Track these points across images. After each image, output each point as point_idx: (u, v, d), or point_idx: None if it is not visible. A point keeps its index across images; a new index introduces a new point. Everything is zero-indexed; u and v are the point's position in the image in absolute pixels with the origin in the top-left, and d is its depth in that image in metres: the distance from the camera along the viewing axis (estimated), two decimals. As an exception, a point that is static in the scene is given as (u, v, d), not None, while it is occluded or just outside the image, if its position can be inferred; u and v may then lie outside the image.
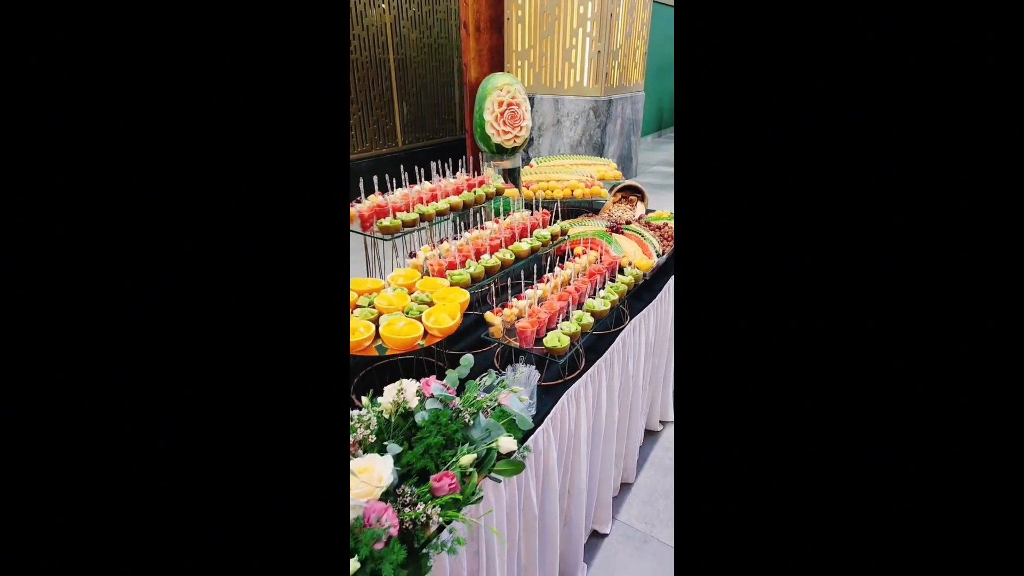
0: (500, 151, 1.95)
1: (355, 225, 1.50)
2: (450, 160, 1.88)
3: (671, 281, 1.93)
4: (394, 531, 0.69)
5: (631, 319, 1.64)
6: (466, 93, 4.73)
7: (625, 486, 1.95)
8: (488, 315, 1.32)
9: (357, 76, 5.35)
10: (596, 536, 1.75)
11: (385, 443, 0.83)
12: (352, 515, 0.69)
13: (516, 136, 1.93)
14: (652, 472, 2.03)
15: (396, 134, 6.00)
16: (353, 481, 0.70)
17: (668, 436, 2.22)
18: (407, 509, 0.74)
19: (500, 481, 0.98)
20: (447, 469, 0.82)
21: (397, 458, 0.82)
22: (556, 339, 1.22)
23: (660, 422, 2.22)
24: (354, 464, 0.75)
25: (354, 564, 0.65)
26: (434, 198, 1.65)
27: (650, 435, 2.20)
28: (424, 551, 0.75)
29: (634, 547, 1.72)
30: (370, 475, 0.71)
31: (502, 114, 1.89)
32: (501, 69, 4.67)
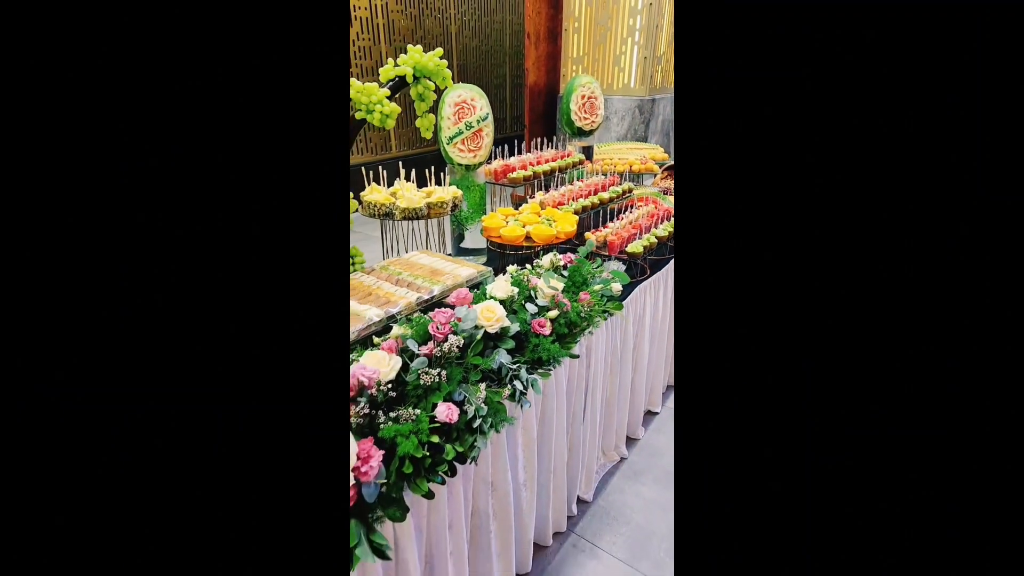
0: (580, 133, 2.61)
1: (489, 178, 2.17)
2: (543, 139, 2.54)
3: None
4: (568, 306, 1.34)
5: (680, 251, 2.27)
6: (525, 93, 5.41)
7: (670, 387, 2.56)
8: (587, 235, 1.97)
9: (425, 79, 6.09)
10: (650, 414, 2.37)
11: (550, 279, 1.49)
12: (548, 298, 1.35)
13: (593, 121, 2.58)
14: (691, 380, 2.64)
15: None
16: (552, 280, 1.36)
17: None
18: (570, 305, 1.40)
19: (606, 319, 1.62)
20: (586, 291, 1.47)
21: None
22: (635, 248, 1.86)
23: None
24: (541, 278, 1.41)
25: (555, 313, 1.30)
26: (539, 163, 2.31)
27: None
28: (578, 330, 1.40)
29: (678, 421, 2.34)
30: (555, 279, 1.36)
31: (583, 105, 2.54)
32: (557, 74, 5.33)
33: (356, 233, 2.07)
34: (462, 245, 2.05)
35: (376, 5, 5.31)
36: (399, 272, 1.42)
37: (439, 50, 1.37)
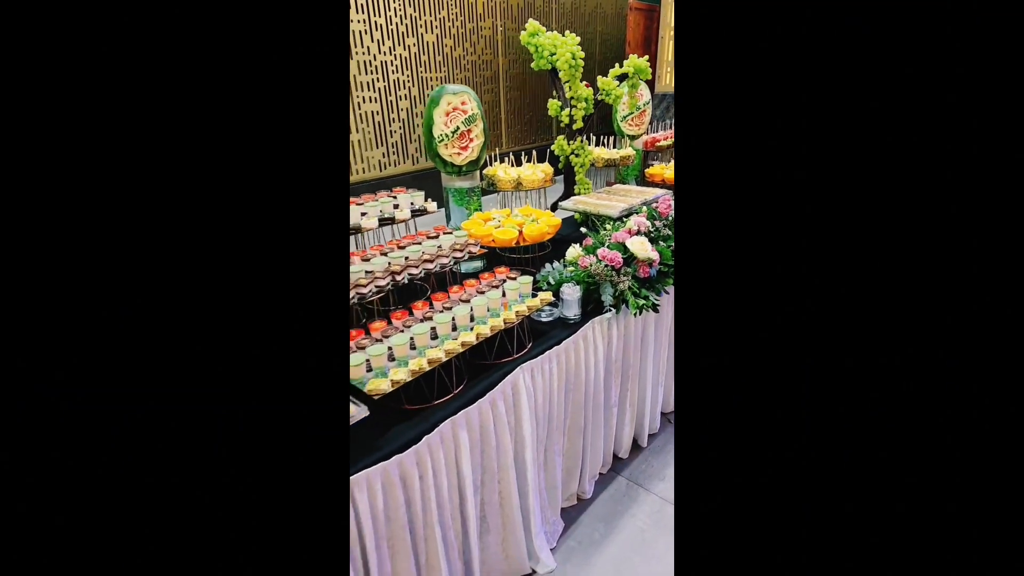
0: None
1: (645, 146, 3.07)
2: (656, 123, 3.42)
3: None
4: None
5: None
6: (623, 93, 6.27)
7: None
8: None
9: (527, 88, 7.06)
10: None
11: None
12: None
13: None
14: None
15: (551, 128, 7.68)
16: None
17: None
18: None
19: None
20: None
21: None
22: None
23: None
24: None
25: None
26: (666, 139, 3.20)
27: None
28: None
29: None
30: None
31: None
32: (651, 77, 6.14)
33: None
34: (624, 193, 2.94)
35: (496, 26, 6.37)
36: (618, 192, 2.33)
37: (646, 56, 2.28)
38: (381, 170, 5.52)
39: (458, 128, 1.90)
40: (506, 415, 1.43)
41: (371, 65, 5.20)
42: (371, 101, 5.28)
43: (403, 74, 5.49)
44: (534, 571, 1.66)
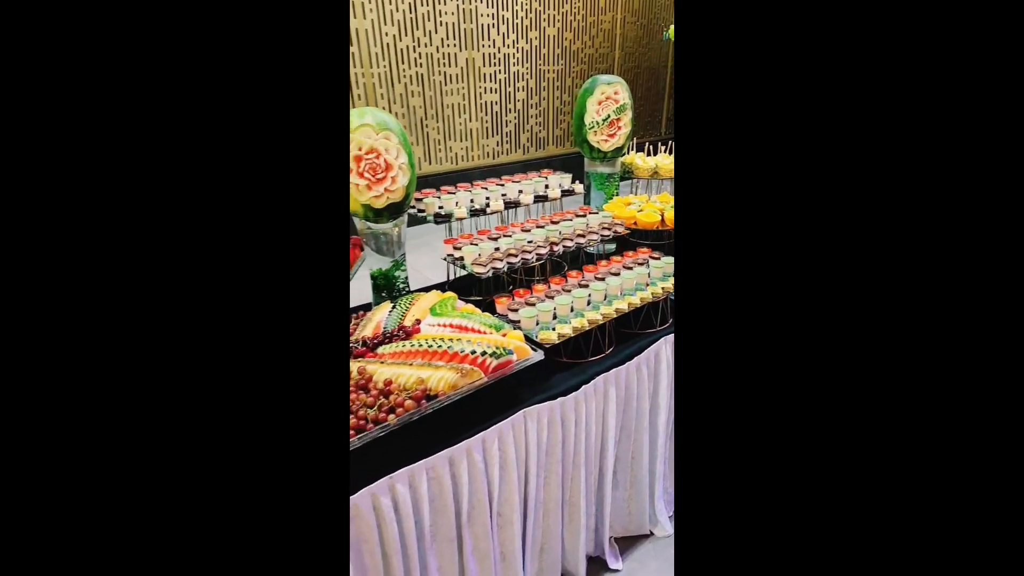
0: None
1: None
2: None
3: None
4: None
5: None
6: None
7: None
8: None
9: (639, 83, 7.00)
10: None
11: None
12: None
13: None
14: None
15: (661, 125, 7.56)
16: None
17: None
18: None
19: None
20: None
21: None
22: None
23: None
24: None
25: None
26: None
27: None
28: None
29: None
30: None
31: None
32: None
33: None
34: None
35: (616, 19, 6.39)
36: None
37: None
38: (493, 158, 5.79)
39: (608, 116, 2.03)
40: (647, 380, 1.55)
41: (495, 57, 5.46)
42: (491, 92, 5.56)
43: (523, 66, 5.70)
44: (652, 532, 1.78)
